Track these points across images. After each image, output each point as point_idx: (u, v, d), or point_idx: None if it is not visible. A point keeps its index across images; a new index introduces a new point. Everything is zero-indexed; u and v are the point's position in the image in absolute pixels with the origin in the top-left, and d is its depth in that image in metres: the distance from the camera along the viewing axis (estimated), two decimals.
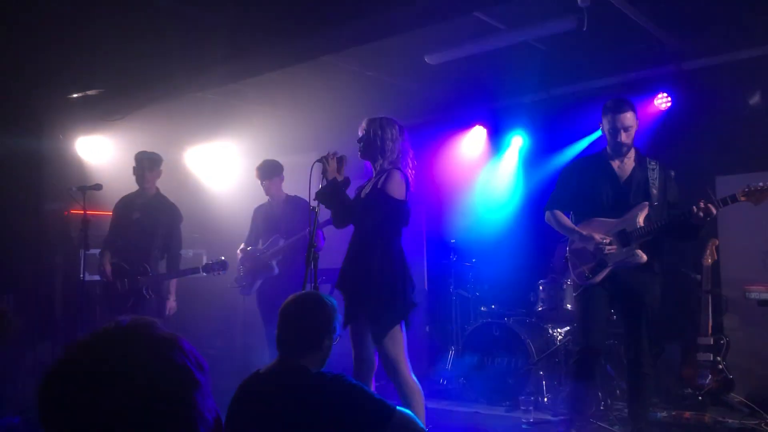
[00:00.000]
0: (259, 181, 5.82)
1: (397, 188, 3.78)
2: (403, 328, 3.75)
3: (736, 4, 4.95)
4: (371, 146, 3.95)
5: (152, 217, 5.56)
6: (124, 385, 0.98)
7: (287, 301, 2.64)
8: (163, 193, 5.75)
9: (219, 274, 5.43)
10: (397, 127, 3.99)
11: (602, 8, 4.66)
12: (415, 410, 3.47)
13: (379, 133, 3.92)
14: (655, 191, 4.08)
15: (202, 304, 7.01)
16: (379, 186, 3.82)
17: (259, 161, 5.87)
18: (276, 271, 5.62)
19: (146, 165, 5.60)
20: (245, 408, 2.44)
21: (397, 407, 2.38)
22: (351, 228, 4.06)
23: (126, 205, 5.71)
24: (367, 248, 3.82)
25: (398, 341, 3.70)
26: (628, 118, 4.09)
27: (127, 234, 5.61)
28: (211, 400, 1.08)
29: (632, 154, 4.22)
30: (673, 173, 4.22)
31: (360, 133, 4.01)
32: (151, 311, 5.31)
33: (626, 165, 4.21)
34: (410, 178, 3.91)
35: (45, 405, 0.99)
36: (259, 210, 6.00)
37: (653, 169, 4.14)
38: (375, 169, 3.99)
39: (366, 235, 3.88)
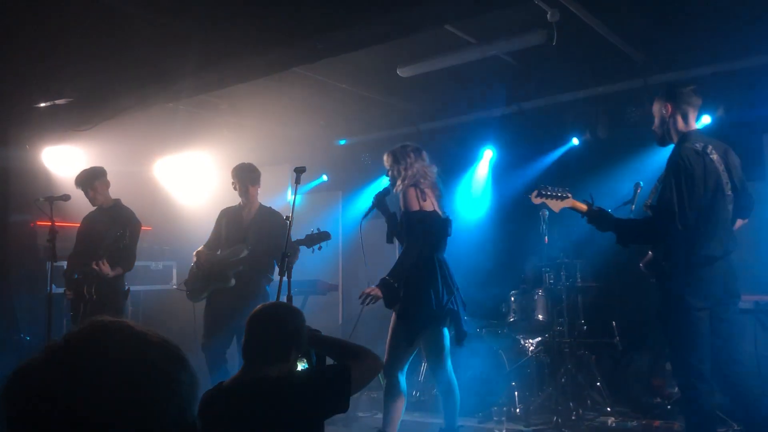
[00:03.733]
0: (233, 184, 5.50)
1: (409, 202, 4.18)
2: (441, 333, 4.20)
3: (699, 22, 5.08)
4: (393, 180, 4.37)
5: (104, 228, 5.41)
6: (94, 389, 0.95)
7: (256, 310, 2.58)
8: (122, 204, 5.59)
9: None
10: (412, 152, 4.34)
11: (571, 23, 4.74)
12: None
13: (395, 166, 4.34)
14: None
15: (169, 316, 6.90)
16: (401, 209, 4.26)
17: (230, 172, 5.64)
18: (232, 283, 5.22)
19: (88, 181, 5.49)
20: (211, 422, 2.39)
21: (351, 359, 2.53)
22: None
23: (84, 220, 5.65)
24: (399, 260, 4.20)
25: (431, 343, 4.19)
26: (653, 109, 3.94)
27: (79, 246, 5.52)
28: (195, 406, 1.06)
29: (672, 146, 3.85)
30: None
31: (386, 167, 4.43)
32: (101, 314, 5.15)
33: None
34: (426, 189, 4.26)
35: (10, 404, 0.95)
36: (225, 213, 5.63)
37: None
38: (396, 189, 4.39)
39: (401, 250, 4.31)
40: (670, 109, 3.82)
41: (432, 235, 4.22)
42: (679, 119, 3.79)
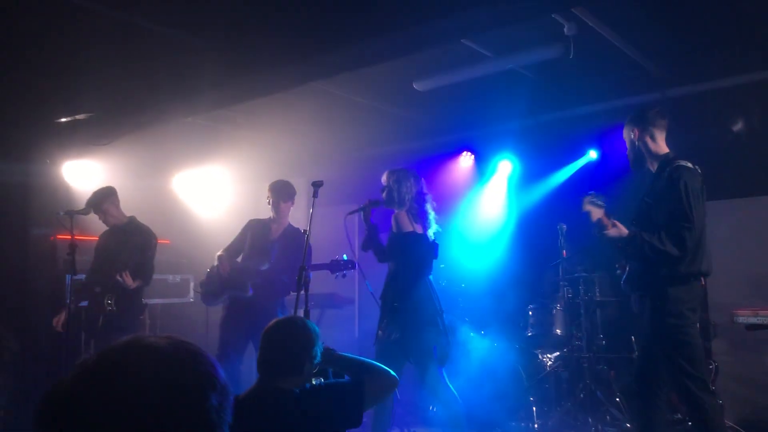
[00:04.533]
0: (268, 199, 5.54)
1: (402, 224, 4.43)
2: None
3: (718, 33, 5.05)
4: (391, 198, 4.56)
5: (120, 242, 5.50)
6: (120, 414, 0.95)
7: (271, 323, 2.64)
8: (137, 221, 5.66)
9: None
10: (412, 177, 4.59)
11: (588, 36, 4.74)
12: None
13: (396, 186, 4.53)
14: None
15: (187, 329, 6.93)
16: (394, 231, 4.48)
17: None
18: (250, 293, 5.26)
19: (97, 204, 5.56)
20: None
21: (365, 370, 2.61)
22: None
23: (100, 237, 5.73)
24: (397, 280, 4.45)
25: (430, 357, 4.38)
26: (623, 135, 4.08)
27: (97, 262, 5.61)
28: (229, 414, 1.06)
29: (657, 167, 3.98)
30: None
31: (383, 183, 4.61)
32: (119, 326, 5.23)
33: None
34: (420, 214, 4.51)
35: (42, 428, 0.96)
36: (255, 223, 5.69)
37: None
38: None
39: (394, 273, 4.52)
40: (637, 133, 3.97)
41: (425, 256, 4.48)
42: (649, 141, 3.93)
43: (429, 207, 4.59)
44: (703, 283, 4.42)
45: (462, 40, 4.94)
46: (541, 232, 6.35)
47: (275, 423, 2.35)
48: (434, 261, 4.59)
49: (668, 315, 3.64)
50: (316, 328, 2.66)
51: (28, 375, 5.90)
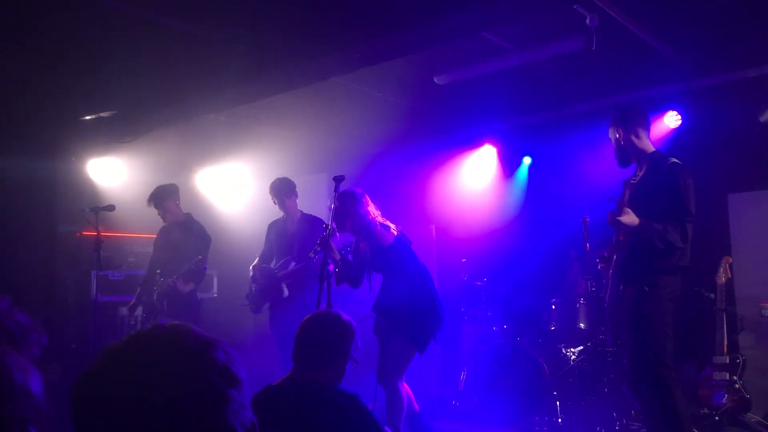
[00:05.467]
0: (272, 200, 5.81)
1: (380, 238, 4.52)
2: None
3: (744, 22, 4.96)
4: (341, 226, 4.59)
5: (178, 240, 5.75)
6: (153, 390, 0.96)
7: (307, 318, 2.67)
8: (194, 219, 5.94)
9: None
10: (358, 197, 4.58)
11: (611, 27, 4.67)
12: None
13: (347, 215, 4.55)
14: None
15: (210, 324, 6.99)
16: (370, 245, 4.57)
17: (270, 182, 5.87)
18: (286, 294, 5.55)
19: (159, 200, 5.73)
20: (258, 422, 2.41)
21: None
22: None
23: (159, 232, 6.05)
24: (393, 287, 4.57)
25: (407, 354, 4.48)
26: (609, 135, 4.23)
27: (156, 257, 5.93)
28: (249, 411, 1.06)
29: (645, 164, 4.13)
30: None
31: (331, 207, 4.60)
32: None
33: (638, 177, 4.18)
34: (373, 229, 4.56)
35: (78, 404, 0.99)
36: (273, 226, 5.97)
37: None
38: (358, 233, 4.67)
39: (385, 281, 4.67)
40: (622, 133, 4.10)
41: (412, 254, 4.63)
42: (634, 139, 4.07)
43: (375, 218, 4.61)
44: (729, 274, 4.53)
45: (482, 33, 4.91)
46: (565, 225, 6.31)
47: (308, 412, 2.36)
48: (412, 247, 4.70)
49: (653, 304, 3.83)
50: (353, 323, 2.67)
51: (54, 369, 6.00)
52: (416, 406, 4.57)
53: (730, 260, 5.31)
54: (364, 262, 4.70)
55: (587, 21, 4.54)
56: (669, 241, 3.77)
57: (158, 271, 5.73)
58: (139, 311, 5.82)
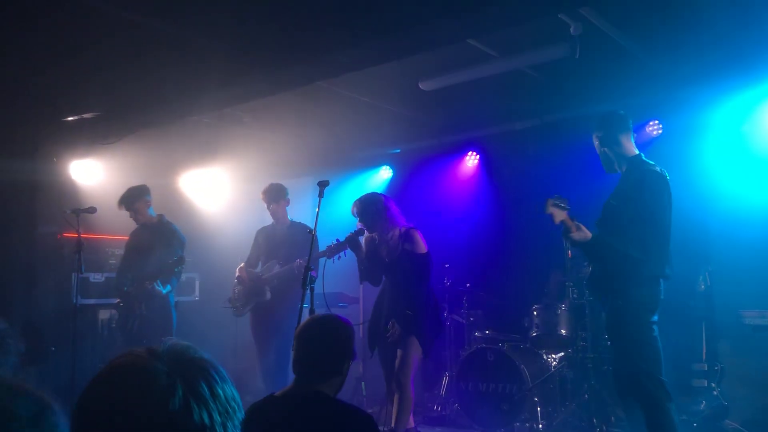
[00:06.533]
0: (264, 205, 5.84)
1: (419, 245, 4.76)
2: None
3: (726, 32, 5.01)
4: (372, 226, 4.82)
5: (152, 243, 5.67)
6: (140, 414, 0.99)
7: (306, 322, 2.57)
8: (166, 220, 5.85)
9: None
10: (384, 199, 4.85)
11: (594, 36, 4.72)
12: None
13: (377, 215, 4.76)
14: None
15: (192, 327, 6.95)
16: (402, 248, 4.76)
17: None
18: (268, 296, 5.61)
19: (130, 202, 5.64)
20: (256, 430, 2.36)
21: None
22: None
23: (131, 235, 5.95)
24: (408, 294, 4.77)
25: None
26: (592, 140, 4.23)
27: (128, 260, 5.83)
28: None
29: (625, 169, 4.12)
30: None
31: (354, 213, 4.86)
32: (152, 328, 5.38)
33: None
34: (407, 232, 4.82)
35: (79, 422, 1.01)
36: (261, 232, 6.03)
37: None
38: (384, 234, 4.85)
39: (404, 285, 4.79)
40: (602, 139, 4.10)
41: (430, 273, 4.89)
42: (614, 145, 4.04)
43: (398, 219, 4.85)
44: (709, 282, 4.54)
45: (468, 40, 4.93)
46: (547, 231, 6.33)
47: (318, 429, 2.28)
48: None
49: (627, 315, 3.77)
50: (352, 326, 2.61)
51: (32, 373, 5.93)
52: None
53: (710, 269, 5.37)
54: (379, 264, 4.88)
55: (571, 29, 4.58)
56: (624, 253, 3.72)
57: (129, 275, 5.66)
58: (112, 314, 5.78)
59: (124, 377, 1.04)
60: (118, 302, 5.71)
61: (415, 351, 4.69)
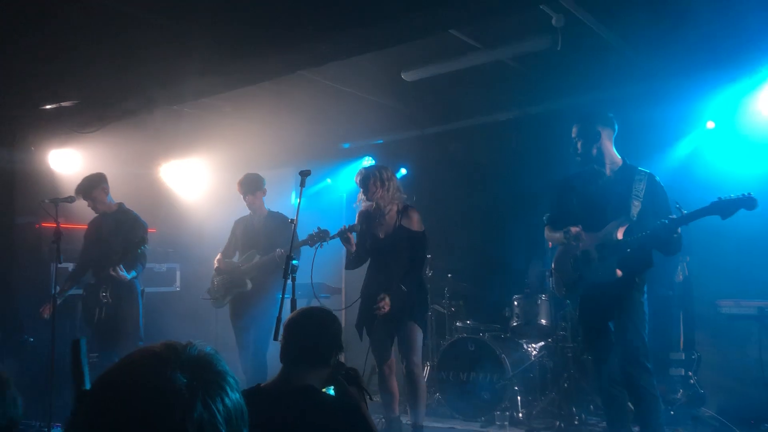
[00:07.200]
0: (241, 196, 5.78)
1: (418, 224, 4.77)
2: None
3: (704, 27, 5.06)
4: (372, 195, 4.77)
5: (112, 231, 5.57)
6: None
7: (294, 314, 2.59)
8: (126, 208, 5.72)
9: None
10: (388, 172, 4.81)
11: (576, 28, 4.75)
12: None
13: (379, 185, 4.73)
14: (637, 204, 4.00)
15: (173, 317, 6.92)
16: (400, 224, 4.75)
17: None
18: (249, 287, 5.58)
19: (87, 191, 5.55)
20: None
21: None
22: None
23: (90, 224, 5.82)
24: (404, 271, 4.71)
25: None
26: (573, 131, 4.28)
27: (88, 250, 5.73)
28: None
29: (614, 166, 4.18)
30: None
31: (357, 181, 4.85)
32: (118, 317, 5.31)
33: (606, 178, 4.19)
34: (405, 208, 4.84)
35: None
36: (239, 222, 5.98)
37: (640, 181, 4.05)
38: (381, 207, 4.82)
39: (400, 262, 4.73)
40: (586, 138, 4.18)
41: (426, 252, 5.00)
42: (598, 145, 4.14)
43: (399, 194, 4.87)
44: (687, 272, 4.67)
45: (451, 31, 4.93)
46: (527, 222, 6.38)
47: (305, 422, 2.27)
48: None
49: (642, 294, 4.07)
50: (337, 318, 2.62)
51: (10, 363, 5.87)
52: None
53: (688, 259, 5.43)
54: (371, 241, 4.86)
55: (553, 21, 4.60)
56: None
57: (91, 265, 5.57)
58: (48, 308, 5.43)
59: (139, 384, 0.98)
60: (85, 296, 5.60)
61: (418, 333, 4.69)
